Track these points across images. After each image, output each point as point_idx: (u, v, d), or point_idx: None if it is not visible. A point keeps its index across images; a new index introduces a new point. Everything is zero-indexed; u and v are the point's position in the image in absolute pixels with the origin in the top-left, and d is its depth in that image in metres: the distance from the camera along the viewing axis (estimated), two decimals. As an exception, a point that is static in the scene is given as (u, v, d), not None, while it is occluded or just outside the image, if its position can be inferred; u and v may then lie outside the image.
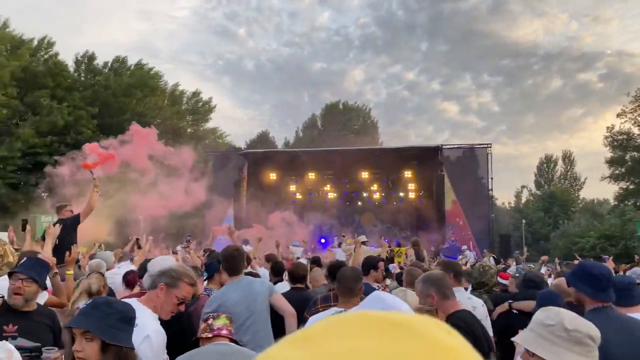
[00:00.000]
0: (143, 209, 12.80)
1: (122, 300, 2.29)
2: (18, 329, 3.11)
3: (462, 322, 2.94)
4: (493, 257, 14.80)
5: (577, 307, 2.79)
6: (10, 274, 3.35)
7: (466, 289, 4.97)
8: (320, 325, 0.50)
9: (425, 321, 0.50)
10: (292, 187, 25.30)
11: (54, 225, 6.56)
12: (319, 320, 0.54)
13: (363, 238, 9.67)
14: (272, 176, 24.45)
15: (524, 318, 2.95)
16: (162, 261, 3.75)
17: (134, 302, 2.94)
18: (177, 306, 2.96)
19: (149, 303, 2.94)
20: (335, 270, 4.18)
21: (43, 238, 6.70)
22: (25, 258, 3.79)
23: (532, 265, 11.19)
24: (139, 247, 8.47)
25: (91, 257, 7.09)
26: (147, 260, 4.59)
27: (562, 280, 4.75)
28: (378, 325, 0.49)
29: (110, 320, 2.07)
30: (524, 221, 31.32)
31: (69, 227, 6.73)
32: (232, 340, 2.89)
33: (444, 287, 3.21)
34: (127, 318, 2.17)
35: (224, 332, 2.87)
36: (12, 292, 3.21)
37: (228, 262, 4.11)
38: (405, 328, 0.48)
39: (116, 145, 9.70)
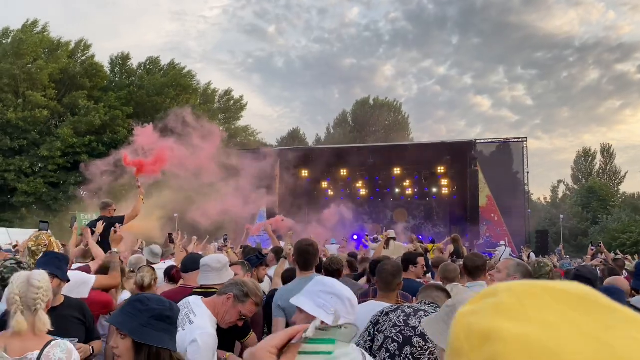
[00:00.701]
0: (200, 211, 13.13)
1: (164, 297, 2.27)
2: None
3: None
4: (532, 252, 14.47)
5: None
6: None
7: None
8: (508, 298, 0.52)
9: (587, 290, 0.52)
10: (324, 184, 25.31)
11: (98, 222, 6.75)
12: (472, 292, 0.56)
13: (392, 233, 9.53)
14: (304, 173, 24.50)
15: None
16: (217, 260, 3.71)
17: (198, 300, 2.99)
18: (237, 321, 2.96)
19: (211, 306, 2.96)
20: (375, 265, 4.14)
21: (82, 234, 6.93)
22: (42, 254, 3.77)
23: (581, 260, 10.86)
24: (172, 242, 8.61)
25: (134, 253, 7.27)
26: (194, 255, 4.62)
27: (618, 279, 4.58)
28: (566, 297, 0.51)
29: (143, 319, 2.05)
30: (561, 216, 30.43)
31: (110, 225, 6.90)
32: None
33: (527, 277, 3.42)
34: (163, 316, 2.10)
35: None
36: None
37: (301, 257, 4.00)
38: (590, 299, 0.51)
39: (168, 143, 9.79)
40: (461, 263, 7.11)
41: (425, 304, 2.77)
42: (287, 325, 3.76)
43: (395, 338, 2.65)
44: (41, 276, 2.55)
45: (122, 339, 2.04)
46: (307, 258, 3.97)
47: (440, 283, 3.58)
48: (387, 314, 2.78)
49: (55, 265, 3.32)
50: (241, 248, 8.43)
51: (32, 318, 2.38)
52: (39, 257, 4.00)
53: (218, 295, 3.03)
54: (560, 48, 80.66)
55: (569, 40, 78.25)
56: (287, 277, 4.56)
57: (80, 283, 3.71)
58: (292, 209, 24.91)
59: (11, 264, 4.03)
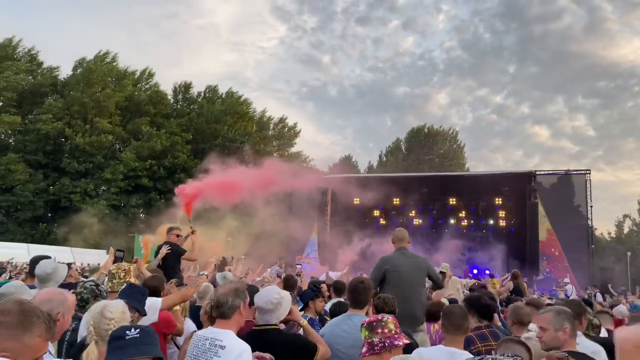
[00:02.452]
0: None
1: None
2: None
3: None
4: (598, 292, 13.66)
5: None
6: None
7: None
8: None
9: None
10: (376, 212, 25.06)
11: (163, 246, 6.97)
12: None
13: (446, 267, 9.07)
14: (356, 200, 24.38)
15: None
16: (268, 301, 3.38)
17: (214, 329, 3.08)
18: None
19: (232, 326, 3.05)
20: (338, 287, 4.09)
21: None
22: (125, 285, 3.86)
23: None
24: (225, 264, 8.72)
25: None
26: (252, 289, 4.58)
27: None
28: None
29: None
30: (629, 253, 28.66)
31: (174, 253, 7.09)
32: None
33: (574, 325, 3.25)
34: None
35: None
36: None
37: (351, 293, 3.93)
38: None
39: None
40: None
41: (508, 356, 2.53)
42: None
43: None
44: (115, 307, 2.63)
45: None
46: (355, 295, 3.87)
47: (520, 337, 3.33)
48: None
49: (137, 299, 3.43)
50: (279, 277, 8.43)
51: (104, 348, 2.43)
52: (116, 280, 4.20)
53: (232, 313, 3.05)
54: (625, 77, 77.20)
55: (634, 69, 74.84)
56: (340, 312, 4.37)
57: (150, 309, 3.75)
58: (343, 237, 24.79)
59: (90, 285, 4.20)
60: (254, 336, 3.21)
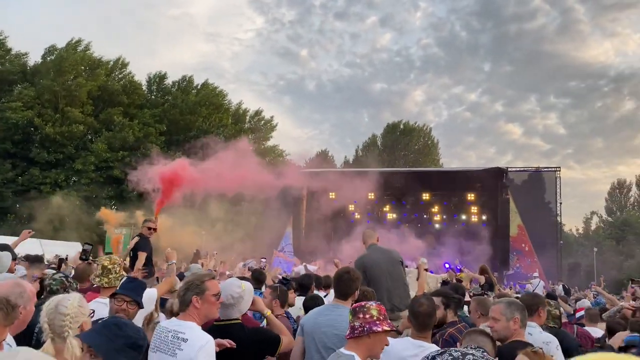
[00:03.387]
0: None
1: (135, 326, 2.29)
2: None
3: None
4: (564, 285, 14.06)
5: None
6: (113, 295, 3.40)
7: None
8: None
9: None
10: (351, 207, 25.17)
11: (134, 237, 6.91)
12: None
13: (424, 261, 9.21)
14: (331, 195, 24.44)
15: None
16: (229, 295, 3.38)
17: (174, 320, 3.09)
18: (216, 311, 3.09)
19: (191, 317, 3.02)
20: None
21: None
22: (126, 278, 3.81)
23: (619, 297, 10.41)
24: (198, 258, 8.69)
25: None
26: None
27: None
28: None
29: (117, 344, 2.06)
30: (595, 249, 29.50)
31: (142, 247, 6.96)
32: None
33: (525, 316, 3.38)
34: (136, 345, 2.13)
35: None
36: (117, 311, 3.20)
37: (336, 283, 3.90)
38: None
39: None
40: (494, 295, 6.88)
41: (472, 348, 2.45)
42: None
43: None
44: (71, 302, 2.49)
45: (92, 358, 2.05)
46: (340, 286, 3.83)
47: (485, 328, 3.40)
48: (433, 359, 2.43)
49: (138, 292, 3.42)
50: (249, 270, 8.45)
51: (62, 345, 2.37)
52: (112, 275, 4.07)
53: (185, 307, 3.02)
54: (595, 78, 79.20)
55: (604, 70, 76.98)
56: (313, 306, 4.39)
57: (148, 301, 3.68)
58: (318, 231, 24.84)
59: (60, 277, 4.12)
60: (216, 331, 3.18)
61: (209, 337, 2.92)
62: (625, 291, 9.78)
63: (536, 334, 3.88)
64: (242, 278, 4.75)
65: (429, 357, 2.42)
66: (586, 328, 5.31)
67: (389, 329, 2.76)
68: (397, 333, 2.98)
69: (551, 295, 7.86)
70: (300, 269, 12.71)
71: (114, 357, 2.04)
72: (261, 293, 5.18)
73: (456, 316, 4.32)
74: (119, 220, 22.77)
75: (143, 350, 2.20)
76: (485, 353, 2.40)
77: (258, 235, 23.95)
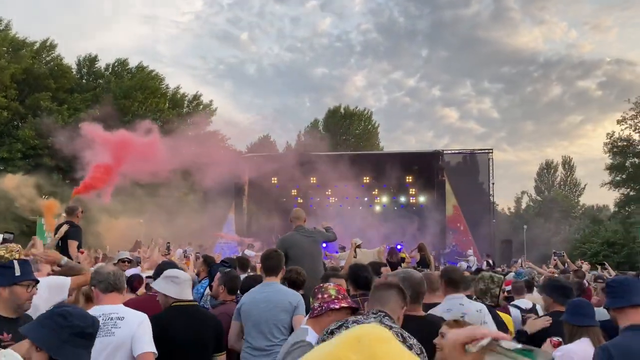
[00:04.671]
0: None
1: (84, 313, 2.22)
2: (14, 337, 2.81)
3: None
4: (488, 261, 14.87)
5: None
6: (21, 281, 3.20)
7: (469, 296, 4.83)
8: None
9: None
10: (294, 192, 25.24)
11: (62, 225, 6.55)
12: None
13: (358, 241, 9.55)
14: (274, 180, 24.40)
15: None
16: (176, 270, 3.69)
17: (109, 306, 3.10)
18: None
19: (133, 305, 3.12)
20: (355, 272, 4.23)
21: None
22: (21, 260, 3.64)
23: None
24: (138, 247, 8.49)
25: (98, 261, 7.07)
26: (166, 264, 4.56)
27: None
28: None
29: (63, 334, 1.98)
30: (525, 227, 31.15)
31: (74, 235, 6.65)
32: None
33: (419, 291, 3.32)
34: (85, 334, 2.05)
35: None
36: (28, 299, 2.99)
37: (265, 262, 4.10)
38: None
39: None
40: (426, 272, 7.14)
41: (372, 313, 2.58)
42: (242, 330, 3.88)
43: None
44: None
45: (37, 352, 1.98)
46: (268, 263, 4.06)
47: (393, 276, 3.49)
48: (332, 333, 2.51)
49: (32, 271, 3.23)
50: (197, 257, 8.35)
51: None
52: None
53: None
54: (526, 64, 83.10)
55: (534, 57, 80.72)
56: (251, 286, 4.44)
57: (58, 289, 3.56)
58: (260, 217, 24.75)
59: None
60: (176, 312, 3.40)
61: (145, 315, 3.03)
62: (549, 263, 10.52)
63: (467, 304, 4.07)
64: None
65: (328, 331, 2.51)
66: (515, 301, 5.59)
67: (347, 305, 2.83)
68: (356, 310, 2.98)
69: (481, 270, 8.27)
70: (250, 254, 12.70)
71: (59, 348, 1.96)
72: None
73: (357, 291, 4.45)
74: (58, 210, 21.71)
75: (94, 337, 2.12)
76: (386, 317, 2.50)
77: (200, 222, 23.57)
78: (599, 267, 11.06)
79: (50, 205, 22.28)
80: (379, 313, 2.55)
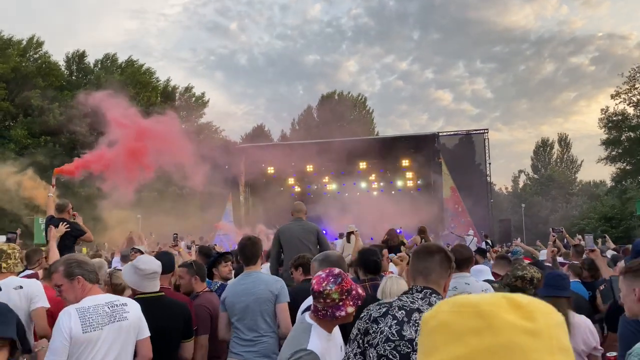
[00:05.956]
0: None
1: None
2: None
3: None
4: (486, 241, 14.90)
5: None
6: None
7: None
8: None
9: None
10: (291, 180, 25.17)
11: (59, 223, 6.43)
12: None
13: (353, 227, 9.49)
14: (270, 170, 24.30)
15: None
16: (147, 261, 3.65)
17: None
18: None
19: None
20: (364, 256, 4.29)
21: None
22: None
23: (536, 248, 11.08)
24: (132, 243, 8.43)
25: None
26: (162, 255, 4.54)
27: None
28: None
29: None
30: (523, 205, 31.22)
31: (72, 232, 6.59)
32: None
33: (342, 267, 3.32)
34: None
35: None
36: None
37: (242, 252, 4.04)
38: None
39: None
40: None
41: (417, 291, 2.34)
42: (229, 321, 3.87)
43: (391, 357, 2.19)
44: None
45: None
46: (244, 253, 4.02)
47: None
48: (375, 321, 2.31)
49: None
50: (191, 247, 8.29)
51: None
52: (12, 260, 3.97)
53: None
54: (517, 42, 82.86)
55: (525, 35, 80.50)
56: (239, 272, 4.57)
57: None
58: (258, 206, 24.69)
59: None
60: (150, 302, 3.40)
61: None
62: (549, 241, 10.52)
63: (473, 283, 4.06)
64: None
65: (371, 318, 2.30)
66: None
67: (353, 309, 2.60)
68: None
69: (481, 250, 8.25)
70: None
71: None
72: None
73: (366, 275, 4.35)
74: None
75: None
76: (433, 294, 2.32)
77: (198, 214, 23.50)
78: (600, 240, 11.08)
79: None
80: (425, 290, 2.33)
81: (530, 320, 0.64)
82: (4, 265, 3.89)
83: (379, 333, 2.24)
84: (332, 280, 2.64)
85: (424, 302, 2.28)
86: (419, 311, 2.25)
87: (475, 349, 0.63)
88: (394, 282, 3.76)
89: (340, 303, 2.57)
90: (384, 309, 2.31)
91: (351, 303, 2.59)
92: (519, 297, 0.68)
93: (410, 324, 2.21)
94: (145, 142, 9.77)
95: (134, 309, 3.08)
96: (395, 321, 2.23)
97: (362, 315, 2.41)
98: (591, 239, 5.13)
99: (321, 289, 2.59)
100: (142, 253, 6.45)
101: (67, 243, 6.52)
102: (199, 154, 16.72)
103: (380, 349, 2.20)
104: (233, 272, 5.21)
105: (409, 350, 2.16)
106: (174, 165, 13.57)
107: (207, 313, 4.07)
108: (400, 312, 2.26)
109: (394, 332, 2.21)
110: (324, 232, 22.41)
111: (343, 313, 2.57)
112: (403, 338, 2.18)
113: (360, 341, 2.31)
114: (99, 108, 10.41)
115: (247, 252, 3.98)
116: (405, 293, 2.40)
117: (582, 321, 3.36)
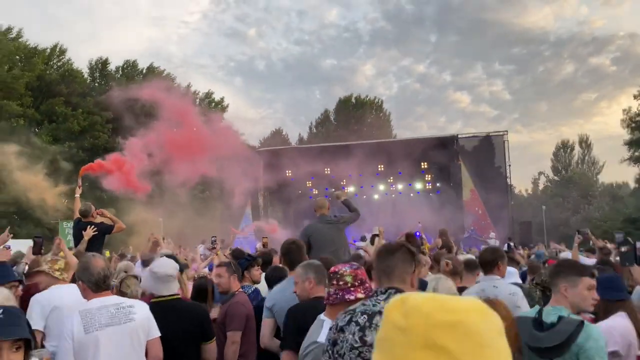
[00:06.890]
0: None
1: None
2: None
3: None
4: (509, 244, 14.82)
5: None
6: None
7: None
8: None
9: None
10: (309, 183, 25.29)
11: (87, 227, 6.65)
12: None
13: (377, 230, 9.54)
14: (288, 173, 24.45)
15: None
16: (163, 264, 3.70)
17: None
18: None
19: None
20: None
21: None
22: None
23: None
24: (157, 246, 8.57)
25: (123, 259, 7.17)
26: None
27: None
28: None
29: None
30: (544, 207, 30.82)
31: (100, 233, 6.81)
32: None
33: (320, 275, 3.39)
34: None
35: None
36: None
37: (285, 256, 3.99)
38: None
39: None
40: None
41: (380, 293, 2.31)
42: (277, 326, 3.76)
43: None
44: None
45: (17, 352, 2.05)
46: (289, 257, 3.96)
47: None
48: (342, 330, 2.27)
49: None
50: (230, 250, 8.37)
51: None
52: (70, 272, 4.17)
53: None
54: (536, 43, 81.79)
55: (544, 35, 79.46)
56: (276, 277, 4.43)
57: None
58: (277, 210, 24.85)
59: None
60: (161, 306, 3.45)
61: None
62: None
63: (501, 286, 4.02)
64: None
65: (337, 328, 2.29)
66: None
67: (363, 296, 2.60)
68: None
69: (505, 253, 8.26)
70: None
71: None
72: None
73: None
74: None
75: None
76: (396, 293, 2.24)
77: (217, 219, 23.74)
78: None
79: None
80: (388, 291, 2.28)
81: (404, 317, 0.78)
82: (65, 275, 4.08)
83: (345, 342, 2.21)
84: (349, 265, 2.80)
85: (386, 303, 2.29)
86: (381, 314, 2.26)
87: (377, 337, 0.83)
88: (439, 282, 3.70)
89: (352, 288, 2.66)
90: (348, 317, 2.28)
91: (362, 291, 2.67)
92: (410, 297, 0.82)
93: (372, 329, 2.16)
94: (202, 150, 10.01)
95: (141, 310, 3.11)
96: (358, 327, 2.20)
97: (331, 325, 2.41)
98: (621, 237, 5.13)
99: (337, 270, 2.74)
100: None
101: (96, 243, 6.73)
102: (226, 159, 16.97)
103: (347, 358, 2.18)
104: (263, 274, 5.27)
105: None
106: (219, 178, 13.84)
107: (244, 311, 4.04)
108: (362, 317, 2.22)
109: (356, 338, 2.18)
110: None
111: (353, 297, 2.63)
112: (365, 344, 2.15)
113: (330, 352, 2.28)
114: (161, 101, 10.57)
115: (293, 257, 3.91)
116: (369, 296, 2.39)
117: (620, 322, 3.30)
